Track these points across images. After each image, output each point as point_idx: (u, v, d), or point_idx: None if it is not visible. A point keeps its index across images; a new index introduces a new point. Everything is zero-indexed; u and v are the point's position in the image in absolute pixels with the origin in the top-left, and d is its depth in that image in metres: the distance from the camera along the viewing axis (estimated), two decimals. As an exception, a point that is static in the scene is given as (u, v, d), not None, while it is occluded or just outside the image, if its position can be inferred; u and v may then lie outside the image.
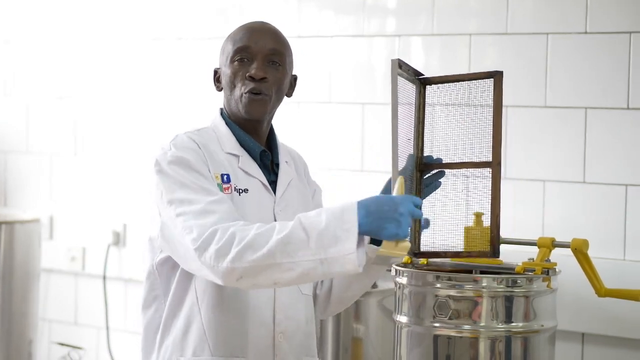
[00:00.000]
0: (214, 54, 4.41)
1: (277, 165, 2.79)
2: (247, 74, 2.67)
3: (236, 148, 2.70)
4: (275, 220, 2.67)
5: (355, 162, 4.05)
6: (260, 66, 2.68)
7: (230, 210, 2.53)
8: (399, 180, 2.50)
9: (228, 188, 2.64)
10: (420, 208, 2.50)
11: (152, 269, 2.71)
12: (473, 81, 2.85)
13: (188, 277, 2.65)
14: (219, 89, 2.76)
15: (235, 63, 2.69)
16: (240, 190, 2.66)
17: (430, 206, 2.88)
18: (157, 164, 2.61)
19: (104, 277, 4.68)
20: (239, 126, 2.73)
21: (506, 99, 3.74)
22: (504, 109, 3.74)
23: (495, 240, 2.76)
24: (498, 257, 2.78)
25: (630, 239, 3.54)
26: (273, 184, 2.75)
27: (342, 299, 2.91)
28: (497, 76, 2.81)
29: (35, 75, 4.91)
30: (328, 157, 4.11)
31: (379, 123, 3.96)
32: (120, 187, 4.66)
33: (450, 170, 2.90)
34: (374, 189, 4.02)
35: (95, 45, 4.74)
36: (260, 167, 2.74)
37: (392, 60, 2.70)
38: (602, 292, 2.97)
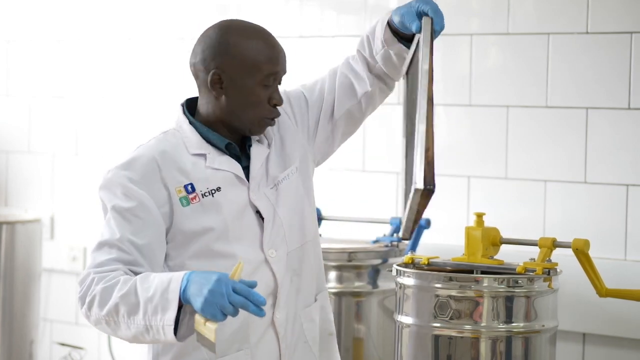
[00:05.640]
0: (215, 54, 4.43)
1: (250, 146, 2.71)
2: (274, 102, 2.63)
3: (202, 147, 2.64)
4: (255, 209, 2.64)
5: (356, 162, 4.05)
6: (279, 91, 2.66)
7: (126, 251, 2.54)
8: (237, 265, 2.42)
9: (194, 197, 2.61)
10: (247, 297, 2.36)
11: None
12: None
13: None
14: (220, 94, 2.62)
15: (265, 86, 2.61)
16: (213, 191, 2.62)
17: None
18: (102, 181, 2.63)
19: (105, 277, 4.68)
20: (206, 125, 2.66)
21: (507, 99, 3.76)
22: (504, 109, 3.77)
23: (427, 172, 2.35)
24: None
25: (631, 239, 3.54)
26: (247, 169, 2.68)
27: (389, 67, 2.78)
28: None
29: (37, 76, 4.91)
30: (329, 157, 4.11)
31: (380, 123, 3.96)
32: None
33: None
34: (375, 189, 4.04)
35: (97, 45, 4.74)
36: (233, 157, 2.67)
37: (425, 19, 2.58)
38: (603, 292, 2.98)
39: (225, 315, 2.36)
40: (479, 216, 3.00)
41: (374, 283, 3.55)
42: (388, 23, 2.68)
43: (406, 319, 2.88)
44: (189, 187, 2.61)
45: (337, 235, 3.92)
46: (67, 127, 4.82)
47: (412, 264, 3.00)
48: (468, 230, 3.00)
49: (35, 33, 4.90)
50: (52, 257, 4.80)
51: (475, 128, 3.81)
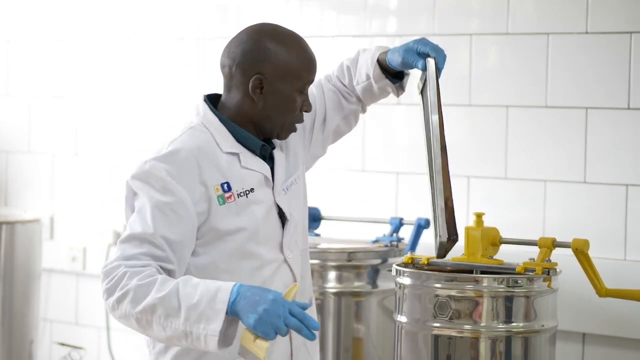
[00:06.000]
0: (215, 53, 4.42)
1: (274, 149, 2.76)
2: (305, 108, 2.69)
3: (234, 146, 2.66)
4: (278, 210, 2.68)
5: (356, 162, 4.05)
6: (308, 98, 2.73)
7: (159, 247, 2.53)
8: (293, 286, 2.46)
9: (230, 197, 2.62)
10: (302, 321, 2.40)
11: None
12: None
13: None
14: (259, 99, 2.65)
15: (300, 93, 2.68)
16: (247, 192, 2.64)
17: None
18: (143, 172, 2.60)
19: (105, 277, 4.68)
20: (238, 124, 2.69)
21: (507, 99, 3.76)
22: (504, 109, 3.77)
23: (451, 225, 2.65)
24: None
25: (631, 239, 3.54)
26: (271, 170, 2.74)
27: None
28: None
29: (37, 75, 4.91)
30: (329, 157, 4.09)
31: (379, 123, 3.96)
32: (121, 187, 4.65)
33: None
34: (374, 189, 4.04)
35: (97, 45, 4.74)
36: (261, 159, 2.72)
37: (429, 59, 2.73)
38: (602, 292, 2.98)
39: (276, 335, 2.38)
40: (479, 216, 3.00)
41: (373, 283, 3.55)
42: (378, 60, 2.84)
43: (406, 319, 2.88)
44: (225, 186, 2.62)
45: (336, 235, 3.92)
46: (67, 127, 4.82)
47: (412, 264, 3.00)
48: (468, 230, 3.00)
49: (35, 33, 4.90)
50: (51, 257, 4.80)
51: (475, 128, 3.81)
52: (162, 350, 2.68)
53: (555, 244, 2.94)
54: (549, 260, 2.91)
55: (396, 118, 3.95)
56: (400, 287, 2.91)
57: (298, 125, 2.76)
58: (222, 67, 2.69)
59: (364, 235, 3.83)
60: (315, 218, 3.82)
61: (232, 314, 2.40)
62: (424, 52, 2.76)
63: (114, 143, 4.69)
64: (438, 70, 2.74)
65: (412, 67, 2.80)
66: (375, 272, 3.56)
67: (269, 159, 2.71)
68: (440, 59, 2.75)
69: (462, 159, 3.80)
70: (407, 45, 2.79)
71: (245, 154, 2.66)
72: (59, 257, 4.81)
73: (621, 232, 3.56)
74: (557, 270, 2.89)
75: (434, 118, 2.69)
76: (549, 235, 3.32)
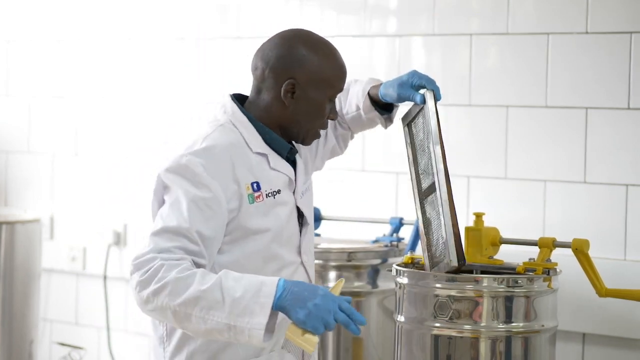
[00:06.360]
0: (215, 53, 4.44)
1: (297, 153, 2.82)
2: (331, 116, 2.73)
3: (263, 147, 2.69)
4: (298, 213, 2.73)
5: (356, 162, 4.05)
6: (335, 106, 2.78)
7: (193, 241, 2.53)
8: (339, 281, 2.49)
9: (259, 196, 2.64)
10: (350, 315, 2.43)
11: None
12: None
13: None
14: (290, 103, 2.67)
15: (330, 101, 2.72)
16: (274, 193, 2.67)
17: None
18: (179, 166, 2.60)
19: (105, 277, 4.68)
20: (266, 126, 2.71)
21: (507, 99, 3.76)
22: (504, 109, 3.77)
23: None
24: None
25: (631, 239, 3.54)
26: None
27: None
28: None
29: (37, 76, 4.91)
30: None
31: (379, 123, 3.96)
32: (121, 187, 4.66)
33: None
34: (374, 189, 4.03)
35: (97, 45, 4.74)
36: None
37: (427, 92, 2.81)
38: (602, 292, 2.98)
39: (325, 329, 2.39)
40: (479, 216, 3.00)
41: (373, 283, 3.55)
42: (368, 93, 2.91)
43: (406, 319, 2.88)
44: (255, 185, 2.64)
45: (336, 235, 3.92)
46: (67, 127, 4.82)
47: (412, 264, 3.00)
48: (468, 230, 3.00)
49: (35, 33, 4.90)
50: (51, 257, 4.80)
51: (475, 128, 3.81)
52: (178, 348, 2.68)
53: (555, 244, 2.94)
54: (549, 260, 2.91)
55: (396, 118, 3.95)
56: (400, 287, 2.91)
57: None
58: (254, 69, 2.71)
59: (364, 235, 3.83)
60: (315, 218, 3.81)
61: (278, 309, 2.42)
62: (418, 85, 2.82)
63: (114, 143, 4.69)
64: (436, 101, 2.81)
65: (408, 100, 2.86)
66: (375, 272, 3.56)
67: (291, 163, 2.76)
68: (436, 89, 2.83)
69: (462, 159, 3.80)
70: (400, 80, 2.85)
71: (273, 156, 2.70)
72: (59, 257, 4.81)
73: (621, 232, 3.56)
74: (557, 270, 2.89)
75: (437, 149, 2.77)
76: (549, 235, 3.32)
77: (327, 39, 2.77)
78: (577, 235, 3.07)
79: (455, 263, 2.71)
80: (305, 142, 2.74)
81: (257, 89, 2.71)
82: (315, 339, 2.38)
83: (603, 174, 3.59)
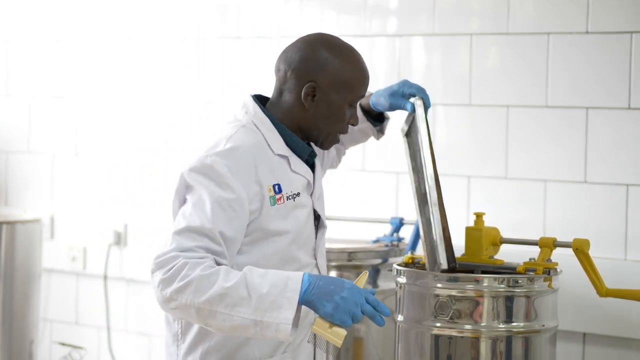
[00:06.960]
0: (215, 54, 4.44)
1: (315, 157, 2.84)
2: (352, 121, 2.75)
3: (285, 149, 2.71)
4: (315, 217, 2.75)
5: (356, 162, 4.05)
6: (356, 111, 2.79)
7: (216, 241, 2.54)
8: (363, 274, 2.52)
9: (280, 198, 2.66)
10: (375, 307, 2.47)
11: None
12: None
13: None
14: (310, 106, 2.69)
15: (350, 106, 2.73)
16: (295, 195, 2.69)
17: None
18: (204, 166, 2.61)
19: (105, 277, 4.68)
20: (288, 128, 2.73)
21: (507, 99, 3.76)
22: (504, 109, 3.77)
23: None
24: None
25: (632, 239, 3.54)
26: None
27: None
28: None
29: (37, 76, 4.91)
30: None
31: (380, 123, 3.96)
32: (122, 187, 4.66)
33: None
34: (375, 189, 4.03)
35: (97, 45, 4.74)
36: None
37: (417, 100, 2.86)
38: (603, 292, 2.97)
39: (352, 322, 2.42)
40: (479, 216, 3.00)
41: (374, 283, 3.55)
42: (361, 104, 2.95)
43: (406, 319, 2.88)
44: (277, 188, 2.66)
45: (337, 235, 3.92)
46: (67, 127, 4.82)
47: (412, 264, 3.00)
48: (468, 230, 3.00)
49: (35, 33, 4.90)
50: (52, 257, 4.80)
51: (475, 128, 3.82)
52: (192, 346, 2.69)
53: (555, 243, 2.94)
54: (550, 260, 2.91)
55: (396, 118, 3.95)
56: (400, 287, 2.91)
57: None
58: (277, 70, 2.73)
59: (364, 235, 3.83)
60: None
61: (304, 303, 2.44)
62: (409, 94, 2.86)
63: (114, 143, 4.69)
64: (426, 109, 2.84)
65: (400, 109, 2.90)
66: (375, 272, 3.56)
67: (310, 166, 2.78)
68: (427, 98, 2.86)
69: (462, 158, 3.81)
70: (391, 89, 2.89)
71: (294, 158, 2.72)
72: (59, 257, 4.81)
73: (621, 232, 3.56)
74: (558, 270, 2.89)
75: (426, 153, 2.81)
76: (549, 235, 3.32)
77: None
78: (578, 235, 3.07)
79: (445, 266, 2.76)
80: (324, 145, 2.75)
81: (279, 91, 2.73)
82: (343, 332, 2.40)
83: (603, 173, 3.59)
